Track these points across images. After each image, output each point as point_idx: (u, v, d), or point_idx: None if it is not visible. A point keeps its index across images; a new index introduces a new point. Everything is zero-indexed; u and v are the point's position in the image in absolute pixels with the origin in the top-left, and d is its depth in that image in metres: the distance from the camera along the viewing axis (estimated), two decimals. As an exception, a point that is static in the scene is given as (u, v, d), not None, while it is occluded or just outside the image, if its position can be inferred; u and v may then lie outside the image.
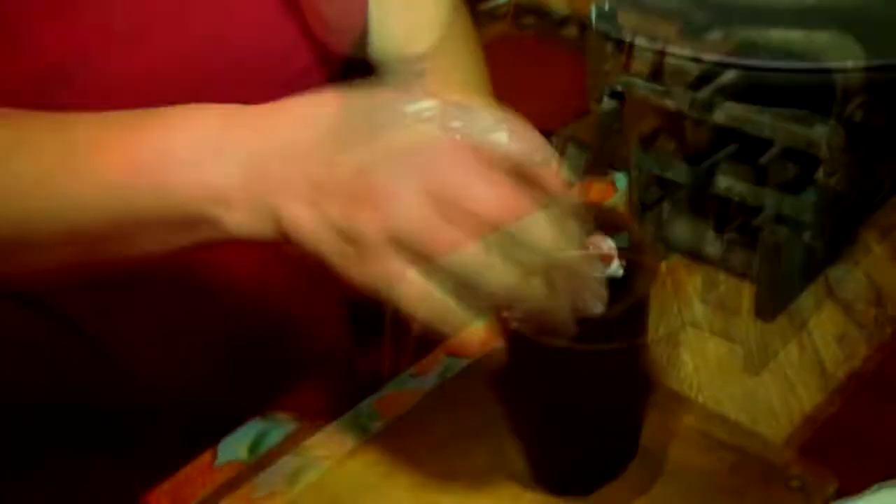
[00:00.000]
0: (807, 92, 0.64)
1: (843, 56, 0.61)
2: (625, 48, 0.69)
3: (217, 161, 0.48)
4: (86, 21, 0.60)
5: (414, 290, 0.46)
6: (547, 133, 0.49)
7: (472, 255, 0.45)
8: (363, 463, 0.63)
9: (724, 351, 0.68)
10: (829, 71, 0.61)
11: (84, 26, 0.60)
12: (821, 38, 0.63)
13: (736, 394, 0.64)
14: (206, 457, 0.66)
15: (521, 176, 0.47)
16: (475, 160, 0.46)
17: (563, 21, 2.05)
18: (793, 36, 0.64)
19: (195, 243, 0.51)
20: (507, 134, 0.47)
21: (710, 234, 0.75)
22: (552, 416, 0.57)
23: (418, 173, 0.45)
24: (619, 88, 0.71)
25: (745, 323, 0.70)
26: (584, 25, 2.01)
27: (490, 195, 0.45)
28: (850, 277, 0.73)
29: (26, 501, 0.72)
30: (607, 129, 0.72)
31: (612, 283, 0.52)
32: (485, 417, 0.63)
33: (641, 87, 0.70)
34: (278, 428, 0.68)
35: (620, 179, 0.85)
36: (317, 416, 0.68)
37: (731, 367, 0.67)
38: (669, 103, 0.69)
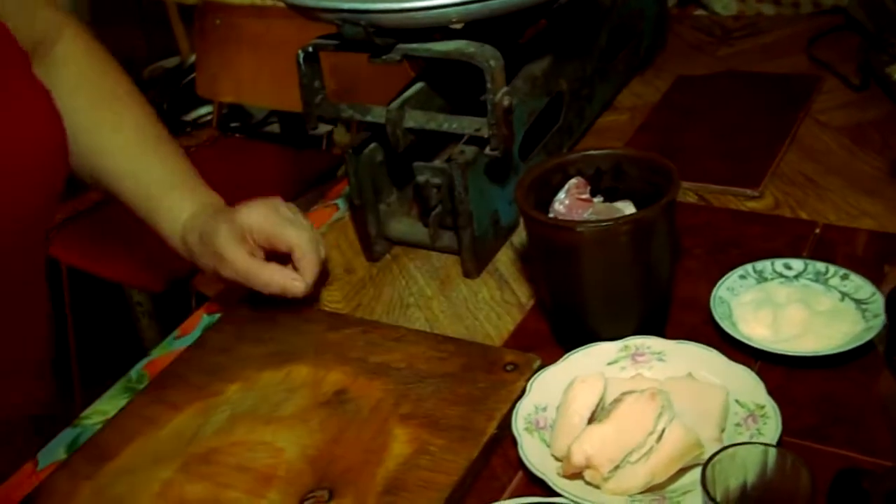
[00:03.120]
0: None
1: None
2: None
3: None
4: None
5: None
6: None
7: None
8: (129, 416, 0.77)
9: (446, 304, 0.89)
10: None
11: None
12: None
13: (461, 330, 0.85)
14: (27, 466, 0.77)
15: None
16: None
17: (265, 120, 2.26)
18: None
19: None
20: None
21: (419, 225, 0.96)
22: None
23: None
24: (326, 115, 0.92)
25: (457, 282, 0.91)
26: (284, 121, 2.23)
27: None
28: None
29: None
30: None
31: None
32: (234, 359, 0.81)
33: (345, 111, 0.92)
34: (88, 430, 0.79)
35: (341, 203, 1.06)
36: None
37: (454, 312, 0.87)
38: (371, 119, 0.90)
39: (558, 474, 0.67)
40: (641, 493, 0.65)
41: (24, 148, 0.76)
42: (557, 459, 0.68)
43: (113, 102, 0.88)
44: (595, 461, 0.65)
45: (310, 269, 0.82)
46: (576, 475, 0.66)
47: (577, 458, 0.65)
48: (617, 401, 0.68)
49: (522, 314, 0.85)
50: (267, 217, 0.83)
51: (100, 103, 0.87)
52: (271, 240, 0.83)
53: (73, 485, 0.71)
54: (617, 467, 0.65)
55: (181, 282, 1.61)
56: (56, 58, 0.87)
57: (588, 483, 0.66)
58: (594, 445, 0.65)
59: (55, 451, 0.77)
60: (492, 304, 0.87)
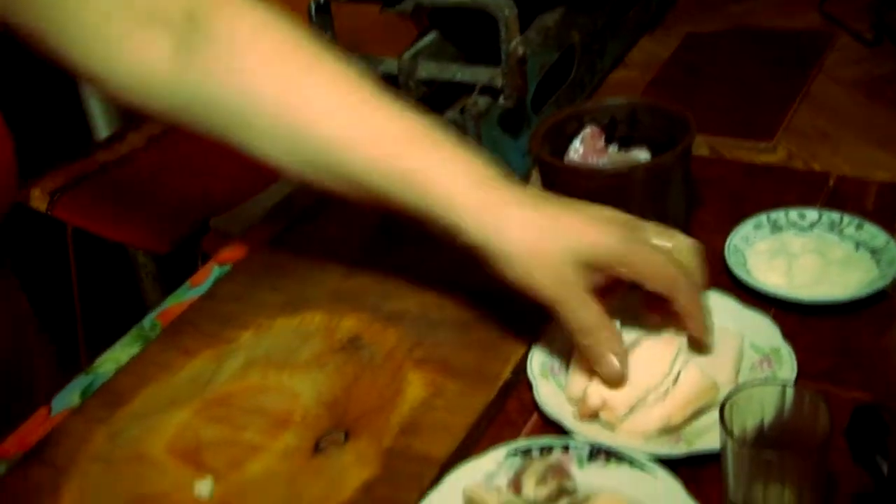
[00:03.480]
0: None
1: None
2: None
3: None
4: None
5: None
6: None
7: None
8: (143, 362, 0.77)
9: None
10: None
11: None
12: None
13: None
14: (41, 412, 0.77)
15: None
16: None
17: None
18: None
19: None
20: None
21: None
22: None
23: None
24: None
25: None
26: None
27: None
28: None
29: None
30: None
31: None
32: (246, 307, 0.80)
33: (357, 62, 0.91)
34: (101, 377, 0.80)
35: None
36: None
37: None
38: (383, 69, 0.90)
39: (574, 418, 0.67)
40: (657, 435, 0.65)
41: None
42: (573, 405, 0.68)
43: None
44: (611, 403, 0.65)
45: (697, 320, 0.65)
46: (591, 418, 0.66)
47: (593, 400, 0.65)
48: (634, 344, 0.68)
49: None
50: (623, 243, 0.63)
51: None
52: (621, 270, 0.64)
53: (88, 428, 0.71)
54: (633, 410, 0.65)
55: (187, 242, 1.61)
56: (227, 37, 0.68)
57: (603, 425, 0.66)
58: (610, 387, 0.65)
59: (69, 397, 0.77)
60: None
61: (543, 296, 0.64)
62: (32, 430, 0.75)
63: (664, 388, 0.65)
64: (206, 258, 1.62)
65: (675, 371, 0.66)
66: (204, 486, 0.64)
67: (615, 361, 0.65)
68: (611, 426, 0.66)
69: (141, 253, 1.70)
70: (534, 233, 0.63)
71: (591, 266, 0.63)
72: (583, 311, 0.64)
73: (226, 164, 1.59)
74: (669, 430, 0.65)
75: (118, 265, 1.81)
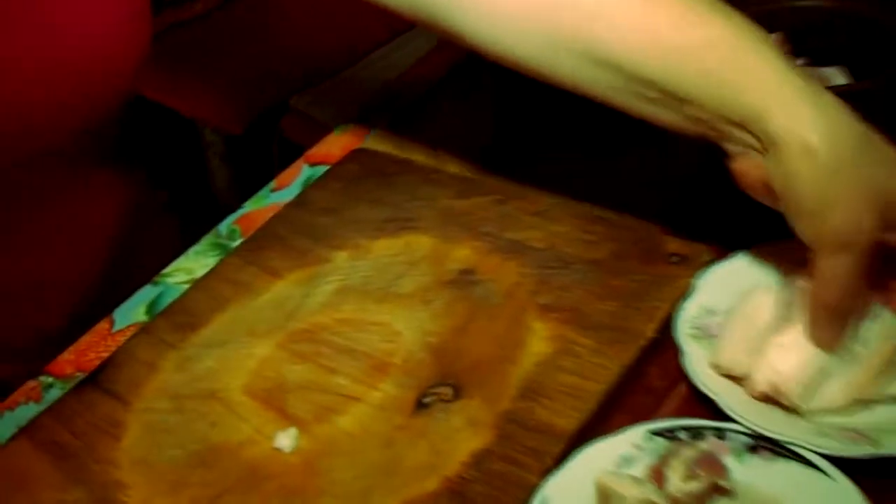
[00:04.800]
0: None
1: None
2: None
3: None
4: None
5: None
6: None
7: None
8: (220, 279, 0.74)
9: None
10: None
11: None
12: None
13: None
14: (103, 324, 0.75)
15: None
16: None
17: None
18: None
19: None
20: None
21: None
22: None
23: None
24: None
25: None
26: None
27: None
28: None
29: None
30: None
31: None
32: (342, 223, 0.77)
33: None
34: (171, 290, 0.77)
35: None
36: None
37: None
38: None
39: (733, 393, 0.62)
40: (838, 427, 0.60)
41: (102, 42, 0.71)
42: (724, 375, 0.63)
43: None
44: (784, 387, 0.60)
45: None
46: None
47: (762, 387, 0.61)
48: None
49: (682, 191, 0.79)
50: None
51: None
52: None
53: (156, 353, 0.69)
54: (813, 387, 0.61)
55: (263, 121, 1.58)
56: None
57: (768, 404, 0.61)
58: (779, 368, 0.61)
59: (134, 311, 0.75)
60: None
61: (825, 219, 0.58)
62: (92, 346, 0.73)
63: (850, 355, 0.61)
64: (283, 143, 1.59)
65: (866, 335, 0.61)
66: (286, 438, 0.62)
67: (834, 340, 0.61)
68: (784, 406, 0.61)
69: (209, 130, 1.68)
70: (852, 140, 0.58)
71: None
72: (853, 261, 0.59)
73: (316, 30, 1.54)
74: (859, 403, 0.61)
75: (182, 140, 1.78)
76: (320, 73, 1.55)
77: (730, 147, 0.62)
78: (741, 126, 0.60)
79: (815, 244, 0.59)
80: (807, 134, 0.58)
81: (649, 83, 0.62)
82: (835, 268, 0.59)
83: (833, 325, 0.61)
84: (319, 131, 0.92)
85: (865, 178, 0.58)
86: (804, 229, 0.59)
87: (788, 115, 0.58)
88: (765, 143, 0.59)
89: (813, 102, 0.59)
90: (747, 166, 0.61)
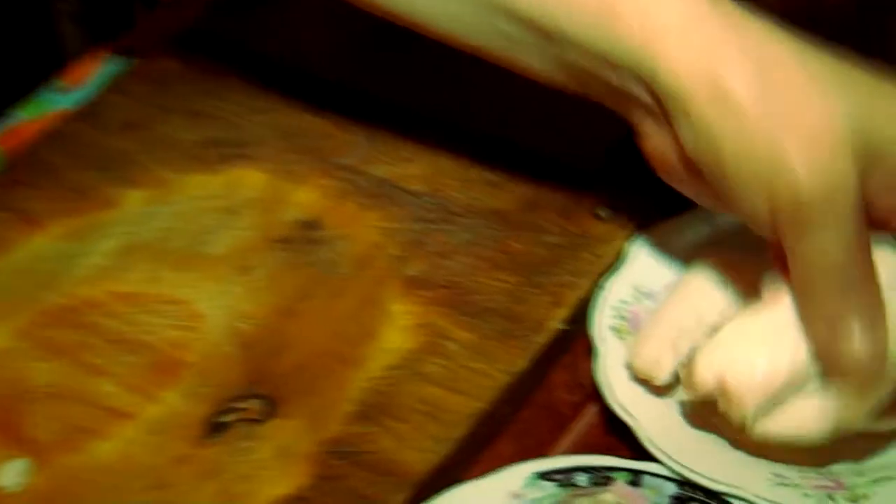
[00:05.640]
0: None
1: None
2: None
3: None
4: None
5: None
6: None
7: None
8: None
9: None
10: None
11: None
12: None
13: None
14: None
15: None
16: None
17: None
18: None
19: None
20: None
21: None
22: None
23: None
24: None
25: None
26: None
27: None
28: None
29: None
30: None
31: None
32: (141, 143, 0.74)
33: None
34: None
35: None
36: None
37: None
38: None
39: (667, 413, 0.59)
40: (804, 470, 0.57)
41: None
42: (640, 379, 0.60)
43: None
44: (735, 388, 0.55)
45: None
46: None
47: (705, 379, 0.56)
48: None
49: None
50: None
51: None
52: None
53: None
54: (776, 402, 0.56)
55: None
56: None
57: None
58: (736, 356, 0.56)
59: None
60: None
61: (774, 184, 0.53)
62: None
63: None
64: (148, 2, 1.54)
65: None
66: (12, 472, 0.58)
67: (871, 348, 0.55)
68: (731, 428, 0.57)
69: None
70: (792, 69, 0.53)
71: (879, 159, 0.53)
72: (846, 237, 0.53)
73: None
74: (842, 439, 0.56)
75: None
76: None
77: (632, 116, 0.58)
78: (633, 77, 0.56)
79: (776, 225, 0.53)
80: (716, 70, 0.52)
81: (507, 13, 0.59)
82: (814, 253, 0.53)
83: (855, 341, 0.55)
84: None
85: (822, 113, 0.52)
86: (752, 210, 0.54)
87: (683, 48, 0.54)
88: (662, 100, 0.54)
89: (722, 25, 0.54)
90: (658, 143, 0.57)
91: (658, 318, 0.61)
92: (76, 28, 1.69)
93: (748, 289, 0.60)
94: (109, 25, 1.55)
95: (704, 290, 0.61)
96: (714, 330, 0.59)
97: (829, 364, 0.55)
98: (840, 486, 0.56)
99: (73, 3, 1.68)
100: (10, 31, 1.41)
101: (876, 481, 0.56)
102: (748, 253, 0.62)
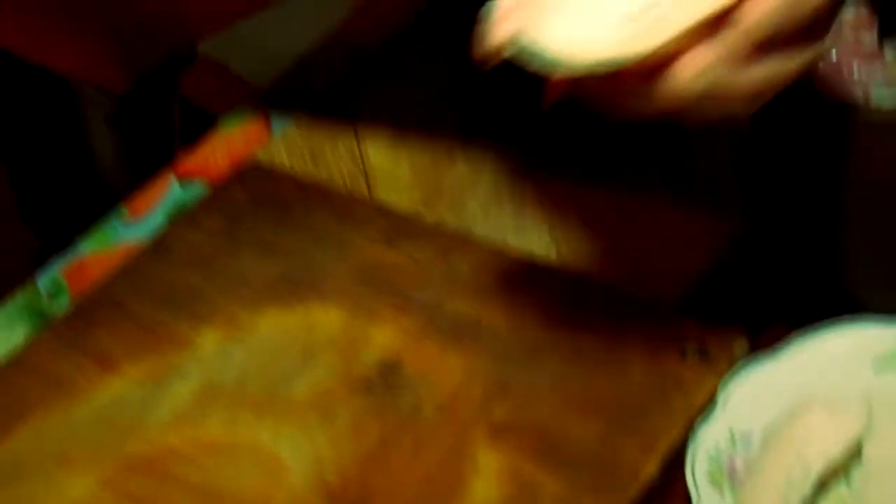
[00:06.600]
0: None
1: None
2: None
3: None
4: None
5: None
6: None
7: None
8: (25, 369, 0.69)
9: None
10: None
11: None
12: None
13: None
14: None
15: None
16: None
17: None
18: None
19: None
20: None
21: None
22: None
23: None
24: None
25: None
26: None
27: None
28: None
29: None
30: None
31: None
32: (211, 279, 0.73)
33: None
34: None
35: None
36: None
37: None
38: None
39: None
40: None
41: None
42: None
43: None
44: None
45: None
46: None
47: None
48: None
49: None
50: None
51: None
52: None
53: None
54: None
55: (158, 77, 1.51)
56: None
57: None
58: None
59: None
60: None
61: None
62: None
63: None
64: (185, 104, 1.53)
65: None
66: None
67: None
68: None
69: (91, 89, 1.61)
70: None
71: None
72: None
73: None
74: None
75: (57, 101, 1.72)
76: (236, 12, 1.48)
77: None
78: None
79: None
80: None
81: None
82: None
83: None
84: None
85: None
86: None
87: None
88: None
89: None
90: None
91: (762, 468, 0.60)
92: (109, 131, 1.68)
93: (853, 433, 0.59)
94: (144, 130, 1.54)
95: (809, 439, 0.60)
96: (822, 481, 0.58)
97: None
98: None
99: (106, 106, 1.67)
100: (42, 139, 1.41)
101: None
102: (850, 392, 0.61)
